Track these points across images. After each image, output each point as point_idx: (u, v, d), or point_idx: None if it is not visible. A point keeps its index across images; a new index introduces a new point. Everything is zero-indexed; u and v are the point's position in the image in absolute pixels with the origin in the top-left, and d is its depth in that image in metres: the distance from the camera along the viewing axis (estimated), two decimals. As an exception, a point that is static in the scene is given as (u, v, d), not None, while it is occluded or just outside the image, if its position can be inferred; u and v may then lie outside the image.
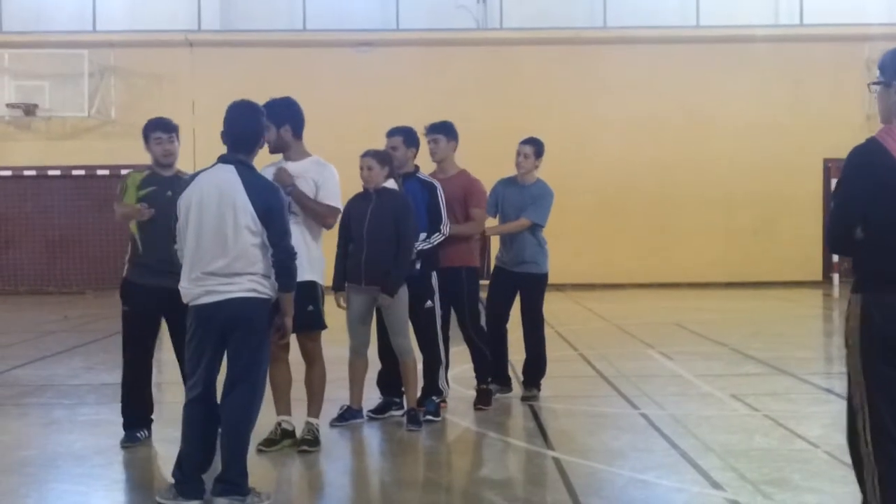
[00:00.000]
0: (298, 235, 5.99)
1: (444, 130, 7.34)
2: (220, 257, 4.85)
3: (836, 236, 3.98)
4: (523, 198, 7.51)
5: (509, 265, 7.55)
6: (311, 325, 6.08)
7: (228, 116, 5.07)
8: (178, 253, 5.09)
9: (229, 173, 4.92)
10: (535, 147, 7.56)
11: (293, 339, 6.17)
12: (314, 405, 6.26)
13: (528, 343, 7.68)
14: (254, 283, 4.89)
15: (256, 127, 5.08)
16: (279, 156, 6.25)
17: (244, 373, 4.93)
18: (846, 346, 3.94)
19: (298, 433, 6.18)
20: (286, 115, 6.14)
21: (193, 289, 4.93)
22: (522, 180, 7.60)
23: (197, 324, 4.96)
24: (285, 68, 17.90)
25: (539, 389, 7.67)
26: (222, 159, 5.03)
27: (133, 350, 6.31)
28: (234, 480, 4.90)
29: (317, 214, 6.09)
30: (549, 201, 7.58)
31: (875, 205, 3.84)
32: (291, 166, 6.13)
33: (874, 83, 4.06)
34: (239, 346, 4.90)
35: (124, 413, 6.36)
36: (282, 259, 4.92)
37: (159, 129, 6.32)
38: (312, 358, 6.23)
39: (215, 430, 5.02)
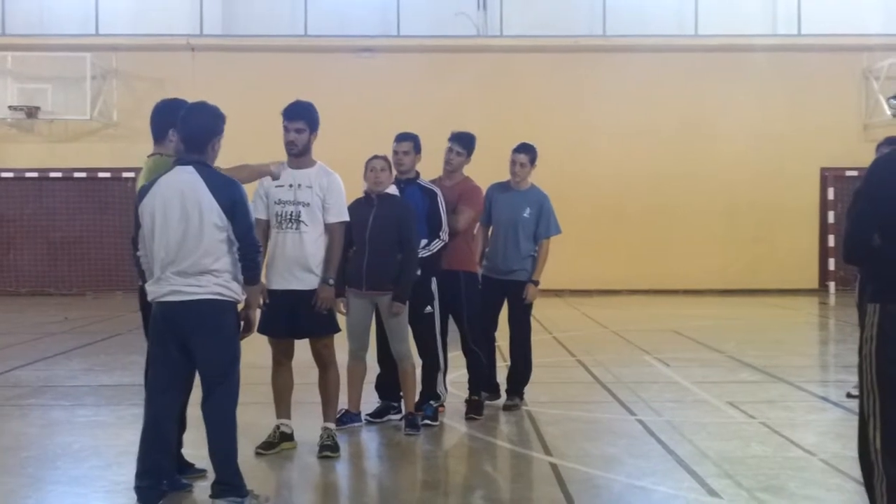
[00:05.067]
0: (311, 244, 6.04)
1: (466, 146, 7.38)
2: (188, 256, 4.86)
3: (854, 244, 3.98)
4: (520, 202, 7.50)
5: (498, 273, 7.52)
6: (326, 329, 6.15)
7: (181, 118, 5.08)
8: (140, 259, 5.12)
9: (189, 174, 4.93)
10: (529, 155, 7.55)
11: (306, 344, 6.23)
12: (330, 410, 6.29)
13: (515, 352, 7.66)
14: (219, 285, 4.90)
15: (208, 128, 5.04)
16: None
17: (219, 376, 4.95)
18: (860, 355, 3.96)
19: (316, 439, 6.19)
20: (317, 121, 6.19)
21: (159, 288, 4.93)
22: (517, 186, 7.63)
23: (161, 322, 4.95)
24: (287, 73, 17.93)
25: (522, 398, 7.65)
26: (179, 161, 5.06)
27: None
28: (230, 481, 4.94)
29: (339, 253, 6.15)
30: (552, 207, 7.60)
31: None
32: (300, 173, 6.13)
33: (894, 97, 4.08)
34: (207, 350, 4.92)
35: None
36: (247, 252, 4.95)
37: None
38: (327, 363, 6.26)
39: (169, 440, 5.04)
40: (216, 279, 4.89)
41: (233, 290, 4.97)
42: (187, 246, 4.86)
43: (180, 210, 4.88)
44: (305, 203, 6.07)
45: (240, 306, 5.12)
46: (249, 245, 4.97)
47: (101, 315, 15.06)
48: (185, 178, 4.92)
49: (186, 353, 4.95)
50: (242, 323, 5.12)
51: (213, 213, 4.87)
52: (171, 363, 4.97)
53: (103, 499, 5.36)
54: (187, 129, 5.04)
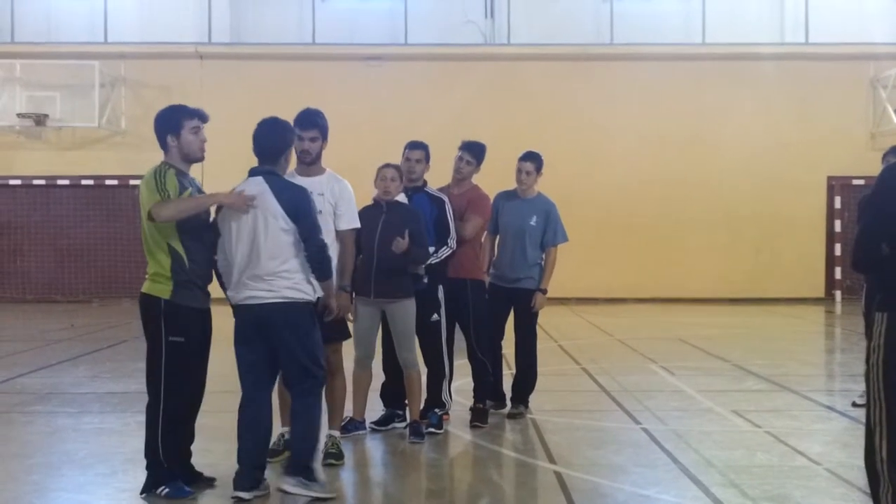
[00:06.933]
0: None
1: (477, 156, 7.41)
2: (259, 260, 5.24)
3: (863, 253, 3.99)
4: (526, 210, 7.52)
5: (505, 282, 7.53)
6: (337, 335, 6.20)
7: (254, 133, 5.46)
8: (217, 264, 5.43)
9: (258, 184, 5.32)
10: (535, 163, 7.56)
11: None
12: (335, 417, 6.31)
13: (520, 359, 7.64)
14: (289, 287, 5.25)
15: (277, 141, 5.45)
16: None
17: (299, 373, 5.29)
18: (867, 364, 3.97)
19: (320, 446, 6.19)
20: (328, 129, 6.21)
21: (238, 293, 5.33)
22: (523, 194, 7.64)
23: (240, 324, 5.36)
24: (295, 81, 17.99)
25: (527, 406, 7.65)
26: (251, 172, 5.44)
27: (191, 385, 5.37)
28: (304, 464, 5.29)
29: (353, 260, 6.22)
30: (559, 215, 7.61)
31: None
32: (310, 181, 6.11)
33: None
34: (289, 348, 5.27)
35: (168, 459, 5.32)
36: (314, 251, 5.30)
37: (197, 117, 5.45)
38: (334, 369, 6.25)
39: (266, 431, 5.37)
40: (286, 282, 5.24)
41: (303, 291, 5.30)
42: (258, 251, 5.24)
43: (252, 218, 5.25)
44: (317, 211, 6.07)
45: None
46: (314, 244, 5.29)
47: (108, 322, 15.10)
48: (254, 189, 5.29)
49: (269, 352, 5.31)
50: (323, 309, 5.50)
51: (278, 217, 5.24)
52: (257, 362, 5.33)
53: (108, 506, 5.37)
54: (261, 145, 5.43)
